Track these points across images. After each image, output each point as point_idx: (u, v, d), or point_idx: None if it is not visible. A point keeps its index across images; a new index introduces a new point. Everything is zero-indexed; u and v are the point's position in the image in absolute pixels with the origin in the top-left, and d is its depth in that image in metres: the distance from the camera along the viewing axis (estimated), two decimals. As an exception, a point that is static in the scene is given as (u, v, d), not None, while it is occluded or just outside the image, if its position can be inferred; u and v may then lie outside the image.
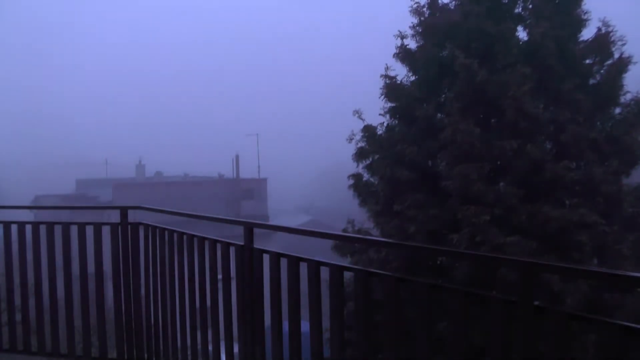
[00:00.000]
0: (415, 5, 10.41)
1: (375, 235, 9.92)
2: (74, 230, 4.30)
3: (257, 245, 3.27)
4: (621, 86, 9.56)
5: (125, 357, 4.21)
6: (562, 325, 1.93)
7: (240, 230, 3.32)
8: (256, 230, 3.31)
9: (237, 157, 34.62)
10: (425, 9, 10.42)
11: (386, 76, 10.24)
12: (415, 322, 2.41)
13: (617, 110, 9.72)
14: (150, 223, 4.08)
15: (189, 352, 3.76)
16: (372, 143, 10.37)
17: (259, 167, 34.75)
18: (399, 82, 10.28)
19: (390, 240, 8.29)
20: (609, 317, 2.04)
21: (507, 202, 8.61)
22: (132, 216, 4.22)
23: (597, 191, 8.73)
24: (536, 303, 1.99)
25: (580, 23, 9.86)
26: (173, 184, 35.04)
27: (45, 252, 4.22)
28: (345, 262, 9.12)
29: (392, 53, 10.48)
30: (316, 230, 3.16)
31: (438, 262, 9.67)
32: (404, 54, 10.40)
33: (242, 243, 3.31)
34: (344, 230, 10.31)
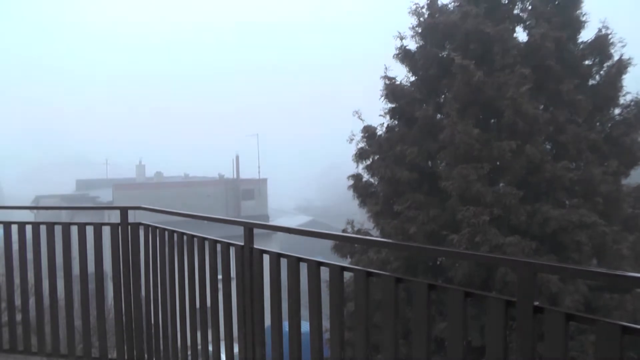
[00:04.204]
0: (414, 6, 10.41)
1: (375, 235, 9.92)
2: (74, 230, 4.30)
3: (257, 245, 3.28)
4: (621, 87, 9.57)
5: (125, 357, 4.21)
6: (561, 325, 1.94)
7: (240, 230, 3.32)
8: (256, 231, 3.31)
9: (237, 157, 34.67)
10: (424, 10, 10.42)
11: (386, 77, 10.25)
12: (415, 322, 2.42)
13: (617, 111, 9.74)
14: (150, 223, 4.07)
15: (189, 352, 3.76)
16: (372, 143, 10.38)
17: (259, 167, 34.77)
18: (398, 82, 10.28)
19: (390, 241, 8.29)
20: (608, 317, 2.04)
21: (506, 203, 8.61)
22: (132, 216, 4.22)
23: (596, 192, 8.73)
24: (536, 303, 2.00)
25: (579, 24, 9.87)
26: (173, 184, 35.05)
27: (45, 252, 4.22)
28: (345, 262, 9.13)
29: (392, 54, 10.50)
30: (316, 230, 3.16)
31: (438, 262, 9.68)
32: (403, 55, 10.41)
33: (242, 243, 3.31)
34: (344, 231, 10.31)
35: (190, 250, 3.69)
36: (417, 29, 10.40)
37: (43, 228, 4.29)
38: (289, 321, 3.00)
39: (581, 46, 9.80)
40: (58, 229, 4.28)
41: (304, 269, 2.93)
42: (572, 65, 9.53)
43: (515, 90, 8.65)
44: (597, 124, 9.67)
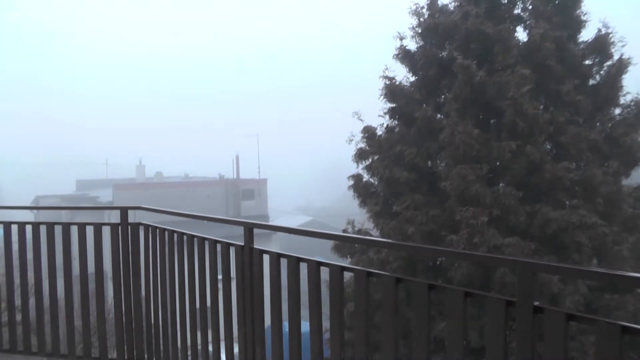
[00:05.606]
0: (414, 7, 10.41)
1: (375, 235, 9.92)
2: (74, 230, 4.30)
3: (257, 245, 3.28)
4: (621, 87, 9.57)
5: (125, 357, 4.21)
6: (561, 326, 1.94)
7: (240, 230, 3.32)
8: (256, 231, 3.31)
9: (237, 157, 34.68)
10: (424, 10, 10.43)
11: (386, 77, 10.24)
12: (415, 322, 2.42)
13: (617, 111, 9.73)
14: (150, 223, 4.07)
15: (189, 352, 3.76)
16: (371, 144, 10.37)
17: (259, 167, 34.77)
18: (398, 83, 10.28)
19: (390, 241, 8.29)
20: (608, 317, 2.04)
21: (505, 203, 8.60)
22: (132, 216, 4.22)
23: (596, 192, 8.72)
24: (536, 303, 2.00)
25: (579, 24, 9.87)
26: (173, 184, 35.05)
27: (45, 252, 4.22)
28: (345, 262, 9.13)
29: (392, 54, 10.50)
30: (316, 230, 3.16)
31: (438, 262, 9.67)
32: (403, 55, 10.41)
33: (242, 243, 3.31)
34: (344, 231, 10.31)
35: (190, 250, 3.69)
36: (417, 29, 10.40)
37: (43, 228, 4.29)
38: (289, 321, 3.00)
39: (581, 46, 9.80)
40: (58, 229, 4.28)
41: (304, 269, 2.93)
42: (572, 65, 9.52)
43: (516, 91, 8.64)
44: (598, 124, 9.66)
